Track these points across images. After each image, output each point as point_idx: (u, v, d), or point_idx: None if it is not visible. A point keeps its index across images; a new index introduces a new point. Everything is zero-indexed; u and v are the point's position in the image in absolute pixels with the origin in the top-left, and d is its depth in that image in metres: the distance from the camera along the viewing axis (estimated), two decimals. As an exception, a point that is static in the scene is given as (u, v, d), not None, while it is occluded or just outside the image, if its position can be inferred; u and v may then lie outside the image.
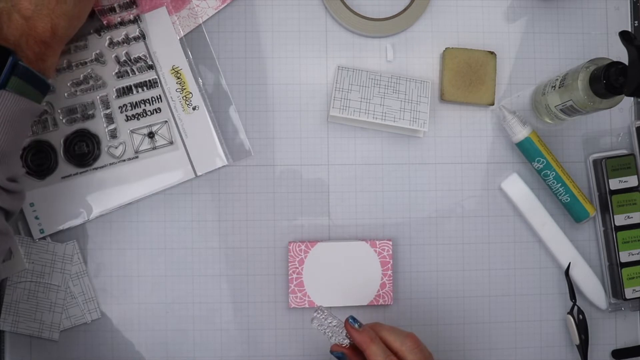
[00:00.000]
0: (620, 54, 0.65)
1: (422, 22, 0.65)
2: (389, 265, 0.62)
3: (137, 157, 0.61)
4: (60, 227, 0.61)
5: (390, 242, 0.62)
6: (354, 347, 0.54)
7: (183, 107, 0.62)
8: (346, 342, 0.54)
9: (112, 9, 0.61)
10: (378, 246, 0.62)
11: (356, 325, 0.53)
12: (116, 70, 0.61)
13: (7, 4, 0.50)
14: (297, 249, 0.62)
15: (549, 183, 0.63)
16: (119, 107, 0.61)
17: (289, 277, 0.62)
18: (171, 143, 0.62)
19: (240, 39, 0.64)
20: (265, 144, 0.64)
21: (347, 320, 0.54)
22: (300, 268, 0.62)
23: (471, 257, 0.64)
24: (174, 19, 0.62)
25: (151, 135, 0.61)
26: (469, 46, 0.65)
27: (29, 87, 0.49)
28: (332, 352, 0.55)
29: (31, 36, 0.50)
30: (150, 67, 0.62)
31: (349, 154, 0.64)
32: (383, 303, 0.62)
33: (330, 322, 0.55)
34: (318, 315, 0.55)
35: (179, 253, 0.63)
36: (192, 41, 0.63)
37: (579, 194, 0.63)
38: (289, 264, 0.62)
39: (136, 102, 0.61)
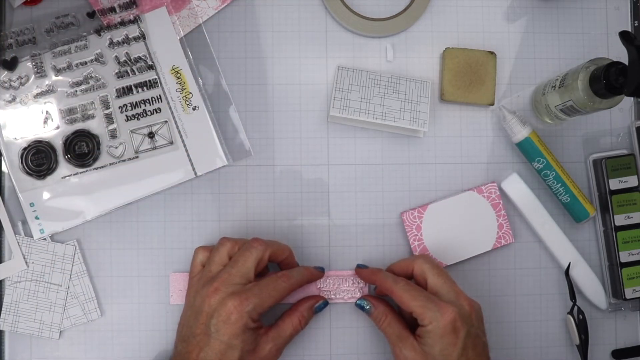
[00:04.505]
0: (620, 54, 0.65)
1: (422, 22, 0.65)
2: (500, 205, 0.63)
3: (137, 157, 0.61)
4: (60, 227, 0.61)
5: (495, 184, 0.64)
6: (376, 297, 0.60)
7: (183, 107, 0.62)
8: (360, 292, 0.62)
9: (112, 9, 0.61)
10: (485, 191, 0.63)
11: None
12: (116, 70, 0.61)
13: None
14: (411, 217, 0.63)
15: (549, 183, 0.63)
16: (119, 107, 0.61)
17: (412, 246, 0.63)
18: (171, 143, 0.62)
19: (240, 39, 0.64)
20: (265, 144, 0.64)
21: (356, 267, 0.62)
22: (419, 234, 0.62)
23: (471, 257, 0.64)
24: (174, 19, 0.62)
25: (151, 135, 0.61)
26: (469, 46, 0.65)
27: None
28: (356, 304, 0.61)
29: None
30: (150, 67, 0.62)
31: (349, 154, 0.64)
32: (505, 243, 0.63)
33: (334, 285, 0.62)
34: (329, 280, 0.62)
35: (179, 253, 0.63)
36: (192, 41, 0.63)
37: (579, 194, 0.63)
38: (407, 234, 0.63)
39: (136, 102, 0.61)
